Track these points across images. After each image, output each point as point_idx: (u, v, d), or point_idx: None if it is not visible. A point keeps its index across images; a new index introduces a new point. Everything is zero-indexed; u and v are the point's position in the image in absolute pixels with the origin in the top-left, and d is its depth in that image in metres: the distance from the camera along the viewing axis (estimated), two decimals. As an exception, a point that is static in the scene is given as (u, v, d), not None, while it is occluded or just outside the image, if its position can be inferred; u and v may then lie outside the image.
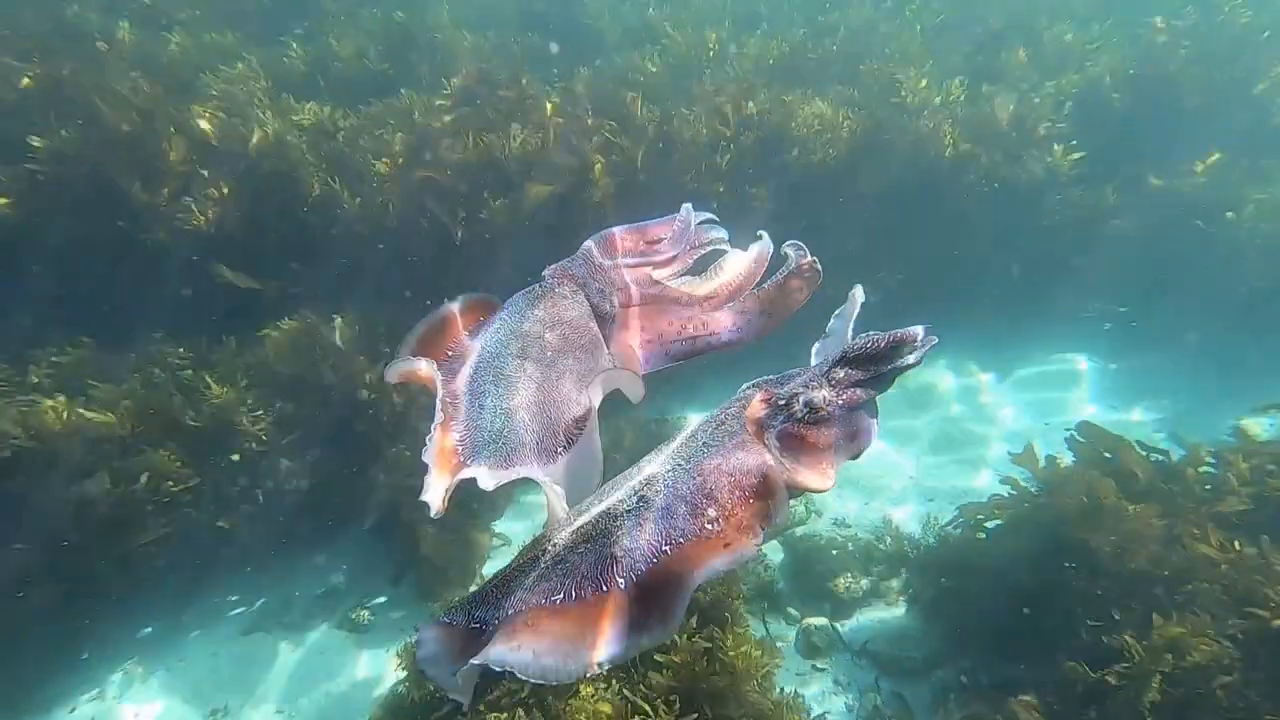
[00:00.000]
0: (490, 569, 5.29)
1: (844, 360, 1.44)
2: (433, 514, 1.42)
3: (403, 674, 4.04)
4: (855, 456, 1.45)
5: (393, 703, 4.03)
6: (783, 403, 1.42)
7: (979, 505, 4.69)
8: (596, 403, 1.59)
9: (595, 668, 1.15)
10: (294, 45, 7.17)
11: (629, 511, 1.41)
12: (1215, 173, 6.91)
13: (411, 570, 5.20)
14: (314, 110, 5.96)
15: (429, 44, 7.16)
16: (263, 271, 5.41)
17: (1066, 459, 4.52)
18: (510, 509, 5.79)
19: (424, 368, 1.57)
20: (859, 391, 1.43)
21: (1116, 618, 3.34)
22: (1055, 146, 6.77)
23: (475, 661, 1.19)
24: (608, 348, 1.91)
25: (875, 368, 1.43)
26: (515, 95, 5.90)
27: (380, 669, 4.75)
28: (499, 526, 5.66)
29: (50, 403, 4.33)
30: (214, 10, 7.30)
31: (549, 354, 1.67)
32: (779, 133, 6.29)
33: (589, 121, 5.85)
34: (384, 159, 5.60)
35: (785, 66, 7.30)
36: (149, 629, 4.92)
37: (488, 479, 1.38)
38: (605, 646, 1.15)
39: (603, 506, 1.46)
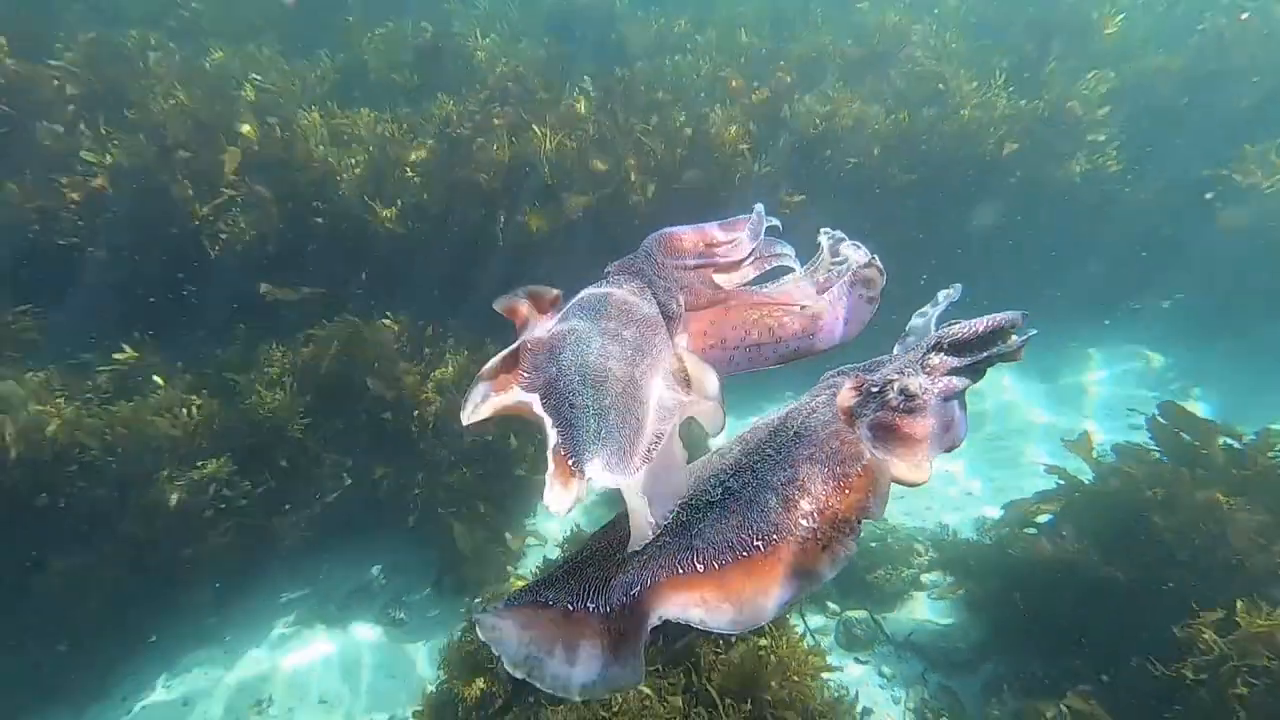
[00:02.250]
0: (527, 566, 5.30)
1: (939, 346, 1.39)
2: (559, 513, 1.43)
3: (442, 674, 4.04)
4: (949, 450, 1.40)
5: (437, 701, 4.03)
6: (875, 390, 1.38)
7: (1026, 500, 4.61)
8: (680, 418, 1.57)
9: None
10: (325, 58, 7.27)
11: (712, 504, 1.38)
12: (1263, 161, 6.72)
13: (449, 568, 5.24)
14: (352, 118, 6.04)
15: (458, 52, 7.21)
16: (304, 276, 5.49)
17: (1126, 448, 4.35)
18: (544, 509, 5.80)
19: (524, 305, 1.67)
20: (954, 380, 1.38)
21: (1196, 609, 3.23)
22: (1102, 140, 6.63)
23: (651, 616, 1.18)
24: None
25: (972, 355, 1.38)
26: (549, 97, 5.92)
27: (418, 663, 4.79)
28: (532, 525, 5.68)
29: (120, 411, 4.43)
30: (248, 25, 7.42)
31: (629, 352, 1.64)
32: (818, 133, 6.24)
33: (622, 122, 5.85)
34: (422, 163, 5.65)
35: (818, 67, 7.22)
36: (197, 624, 5.00)
37: (606, 479, 1.35)
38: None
39: (686, 495, 1.43)
